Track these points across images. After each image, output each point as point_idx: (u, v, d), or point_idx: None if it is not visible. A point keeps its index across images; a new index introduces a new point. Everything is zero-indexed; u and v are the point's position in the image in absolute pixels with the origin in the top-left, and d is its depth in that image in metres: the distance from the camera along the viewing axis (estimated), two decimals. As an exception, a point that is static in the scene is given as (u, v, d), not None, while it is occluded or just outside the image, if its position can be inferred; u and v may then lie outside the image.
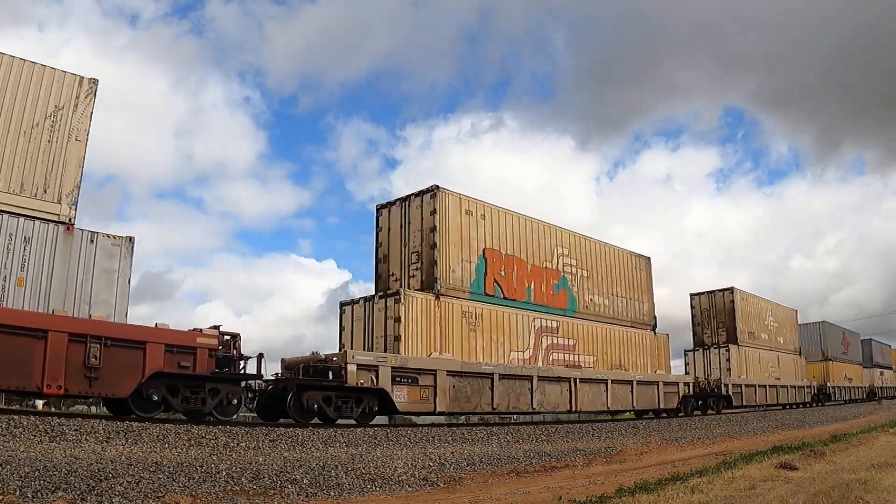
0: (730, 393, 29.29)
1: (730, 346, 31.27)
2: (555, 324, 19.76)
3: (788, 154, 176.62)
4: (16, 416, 9.58)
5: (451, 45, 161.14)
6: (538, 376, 18.39)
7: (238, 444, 10.52)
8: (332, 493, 9.01)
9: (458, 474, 11.10)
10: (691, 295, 34.33)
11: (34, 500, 6.81)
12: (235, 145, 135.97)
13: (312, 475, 9.42)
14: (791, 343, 38.60)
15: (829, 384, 42.73)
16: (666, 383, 24.34)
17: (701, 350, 31.93)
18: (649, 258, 25.49)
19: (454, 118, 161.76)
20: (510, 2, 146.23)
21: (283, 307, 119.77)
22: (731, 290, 32.56)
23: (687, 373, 30.02)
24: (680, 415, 25.00)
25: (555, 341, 19.69)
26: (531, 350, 18.75)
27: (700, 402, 27.65)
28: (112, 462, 8.26)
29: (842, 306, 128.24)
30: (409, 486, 9.97)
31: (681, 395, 25.05)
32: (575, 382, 19.59)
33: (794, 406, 36.87)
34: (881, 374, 60.11)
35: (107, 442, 9.37)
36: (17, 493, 6.83)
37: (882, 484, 8.38)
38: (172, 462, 8.82)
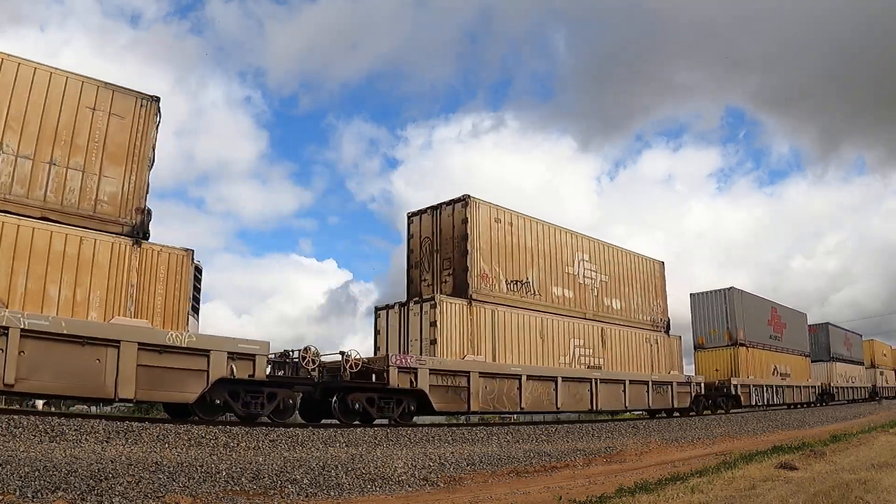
0: (419, 385, 15.20)
1: (439, 299, 16.50)
2: None
3: (789, 154, 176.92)
4: (16, 416, 9.60)
5: (451, 45, 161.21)
6: None
7: (238, 444, 10.55)
8: (332, 493, 9.01)
9: (458, 474, 11.10)
10: (409, 215, 19.31)
11: (34, 500, 6.81)
12: (236, 145, 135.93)
13: (312, 475, 9.42)
14: (645, 313, 24.38)
15: (735, 382, 28.63)
16: (154, 345, 11.33)
17: (398, 308, 17.52)
18: (155, 106, 12.59)
19: (455, 118, 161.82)
20: (510, 2, 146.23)
21: (284, 307, 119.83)
22: (466, 200, 17.86)
23: (378, 349, 17.40)
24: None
25: None
26: None
27: (337, 398, 14.37)
28: (112, 462, 8.27)
29: (842, 306, 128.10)
30: (409, 486, 9.97)
31: (210, 381, 11.88)
32: None
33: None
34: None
35: (107, 442, 9.39)
36: (17, 493, 6.84)
37: (882, 484, 8.37)
38: (172, 462, 8.83)
